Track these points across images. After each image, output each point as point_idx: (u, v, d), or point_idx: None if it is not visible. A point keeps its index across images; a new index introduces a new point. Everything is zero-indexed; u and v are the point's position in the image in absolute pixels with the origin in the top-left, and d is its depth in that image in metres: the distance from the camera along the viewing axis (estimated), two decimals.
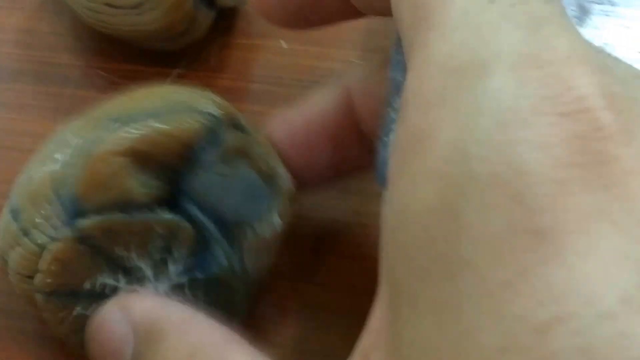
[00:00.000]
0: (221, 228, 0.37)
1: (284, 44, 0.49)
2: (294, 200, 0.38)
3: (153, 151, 0.35)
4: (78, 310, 0.35)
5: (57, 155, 0.36)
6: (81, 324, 0.35)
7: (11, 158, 0.46)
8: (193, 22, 0.47)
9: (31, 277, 0.36)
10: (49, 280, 0.35)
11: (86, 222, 0.35)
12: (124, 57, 0.49)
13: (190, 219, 0.36)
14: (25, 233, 0.36)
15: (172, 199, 0.36)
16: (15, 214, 0.36)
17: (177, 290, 0.36)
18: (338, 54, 0.48)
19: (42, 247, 0.35)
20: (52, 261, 0.35)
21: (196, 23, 0.47)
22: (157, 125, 0.35)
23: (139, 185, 0.35)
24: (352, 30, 0.48)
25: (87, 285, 0.35)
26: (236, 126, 0.38)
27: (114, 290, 0.35)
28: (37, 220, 0.35)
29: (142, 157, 0.35)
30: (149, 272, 0.35)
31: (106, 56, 0.49)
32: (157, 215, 0.35)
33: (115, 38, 0.48)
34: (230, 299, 0.37)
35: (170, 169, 0.36)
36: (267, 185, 0.37)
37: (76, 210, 0.35)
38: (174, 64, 0.48)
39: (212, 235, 0.36)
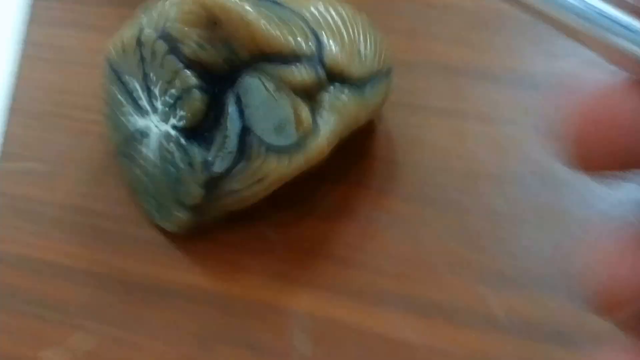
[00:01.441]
0: (242, 133, 0.38)
1: None
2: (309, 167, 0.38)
3: (231, 28, 0.37)
4: None
5: None
6: None
7: (86, 73, 0.48)
8: None
9: None
10: None
11: (147, 32, 0.39)
12: None
13: (220, 100, 0.38)
14: None
15: (222, 76, 0.38)
16: None
17: (165, 138, 0.39)
18: None
19: None
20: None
21: None
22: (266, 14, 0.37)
23: (199, 37, 0.37)
24: None
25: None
26: (346, 80, 0.38)
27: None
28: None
29: (220, 26, 0.37)
30: (149, 106, 0.39)
31: None
32: (186, 71, 0.38)
33: None
34: (189, 184, 0.39)
35: (237, 53, 0.37)
36: (296, 135, 0.37)
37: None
38: None
39: (226, 128, 0.38)
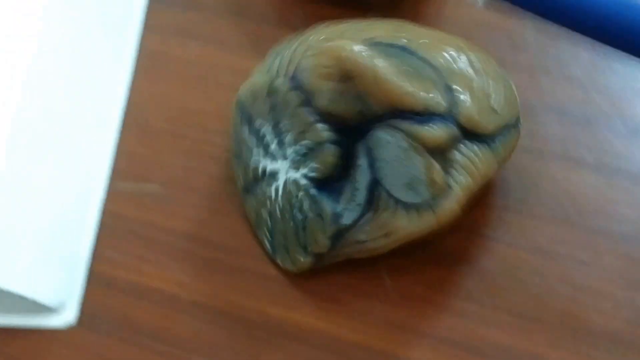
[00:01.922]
0: (371, 185, 0.38)
1: (479, 1, 0.48)
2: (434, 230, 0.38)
3: (362, 83, 0.36)
4: None
5: None
6: None
7: (208, 90, 0.47)
8: None
9: None
10: None
11: (279, 81, 0.39)
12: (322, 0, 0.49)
13: (351, 151, 0.38)
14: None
15: (354, 128, 0.38)
16: None
17: (294, 185, 0.39)
18: None
19: None
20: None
21: None
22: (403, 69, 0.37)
23: (331, 91, 0.37)
24: None
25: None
26: (478, 136, 0.38)
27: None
28: None
29: (352, 80, 0.36)
30: (279, 152, 0.39)
31: (315, 1, 0.49)
32: (319, 125, 0.38)
33: None
34: (316, 233, 0.39)
35: (370, 107, 0.37)
36: (427, 195, 0.37)
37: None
38: (366, 10, 0.47)
39: (356, 180, 0.38)
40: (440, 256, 0.41)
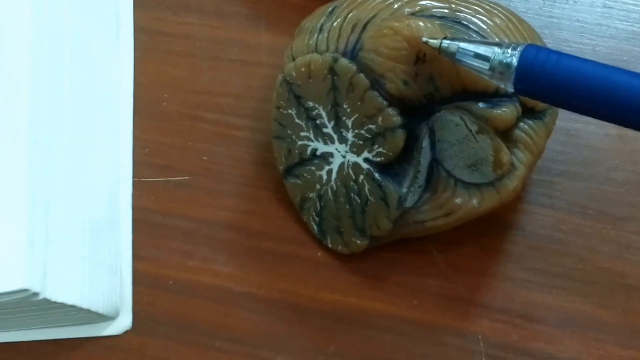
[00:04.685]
0: (430, 165, 0.38)
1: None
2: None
3: (438, 65, 0.36)
4: None
5: None
6: None
7: (219, 68, 0.45)
8: None
9: None
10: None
11: (343, 62, 0.37)
12: None
13: (413, 133, 0.38)
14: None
15: (418, 110, 0.37)
16: None
17: (354, 168, 0.38)
18: None
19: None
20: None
21: None
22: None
23: (404, 74, 0.36)
24: None
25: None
26: (533, 111, 0.38)
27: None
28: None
29: (426, 62, 0.36)
30: (335, 134, 0.39)
31: None
32: (390, 110, 0.37)
33: None
34: (377, 217, 0.39)
35: (440, 89, 0.37)
36: (492, 176, 0.37)
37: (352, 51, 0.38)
38: None
39: (419, 162, 0.38)
40: (485, 225, 0.41)
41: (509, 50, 0.33)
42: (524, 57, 0.33)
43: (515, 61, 0.33)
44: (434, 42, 0.35)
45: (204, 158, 0.43)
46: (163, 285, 0.41)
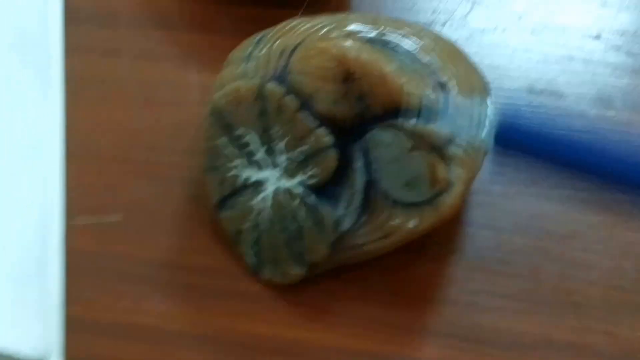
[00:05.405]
0: (366, 187, 0.37)
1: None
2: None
3: (367, 83, 0.36)
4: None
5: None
6: None
7: (151, 109, 0.45)
8: None
9: None
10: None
11: (271, 86, 0.37)
12: (250, 2, 0.47)
13: (346, 154, 0.37)
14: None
15: (349, 130, 0.37)
16: None
17: (287, 194, 0.37)
18: None
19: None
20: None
21: None
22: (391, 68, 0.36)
23: (333, 93, 0.36)
24: None
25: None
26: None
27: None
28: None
29: (355, 80, 0.36)
30: (267, 160, 0.38)
31: (234, 2, 0.47)
32: (321, 129, 0.36)
33: None
34: (314, 242, 0.38)
35: (370, 108, 0.36)
36: (429, 193, 0.37)
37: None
38: (297, 7, 0.45)
39: (354, 183, 0.37)
40: (426, 250, 0.41)
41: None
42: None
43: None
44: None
45: (138, 197, 0.42)
46: (96, 328, 0.39)
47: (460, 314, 0.39)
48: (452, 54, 0.40)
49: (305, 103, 0.36)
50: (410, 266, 0.40)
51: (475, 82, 0.39)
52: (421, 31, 0.40)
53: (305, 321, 0.39)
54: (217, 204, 0.40)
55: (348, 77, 0.36)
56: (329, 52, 0.36)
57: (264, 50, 0.38)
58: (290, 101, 0.36)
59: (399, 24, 0.40)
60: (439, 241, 0.41)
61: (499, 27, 0.47)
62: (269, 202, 0.38)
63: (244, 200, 0.39)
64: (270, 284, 0.40)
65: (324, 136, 0.36)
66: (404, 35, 0.39)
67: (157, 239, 0.41)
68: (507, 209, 0.42)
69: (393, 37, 0.39)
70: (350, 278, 0.40)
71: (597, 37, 0.46)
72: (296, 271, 0.39)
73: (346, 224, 0.37)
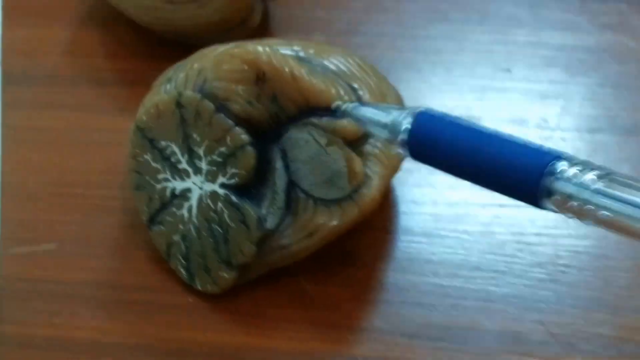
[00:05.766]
0: (288, 188, 0.39)
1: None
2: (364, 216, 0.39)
3: (278, 82, 0.38)
4: None
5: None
6: None
7: (87, 151, 0.47)
8: (251, 11, 0.49)
9: None
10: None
11: (188, 93, 0.39)
12: (176, 58, 0.50)
13: (266, 156, 0.39)
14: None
15: (267, 132, 0.39)
16: None
17: (211, 197, 0.39)
18: None
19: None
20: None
21: (253, 13, 0.49)
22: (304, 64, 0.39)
23: (246, 94, 0.38)
24: None
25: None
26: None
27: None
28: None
29: (267, 81, 0.38)
30: (190, 167, 0.39)
31: (157, 58, 0.50)
32: (237, 128, 0.38)
33: (168, 39, 0.50)
34: (240, 242, 0.38)
35: (284, 108, 0.38)
36: (348, 188, 0.38)
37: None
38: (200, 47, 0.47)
39: (275, 184, 0.39)
40: (353, 255, 0.42)
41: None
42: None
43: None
44: (336, 104, 0.38)
45: (72, 228, 0.43)
46: (29, 343, 0.39)
47: (393, 312, 0.40)
48: (365, 66, 0.42)
49: (221, 106, 0.38)
50: (340, 272, 0.41)
51: (387, 92, 0.42)
52: (335, 49, 0.42)
53: (241, 327, 0.40)
54: (148, 221, 0.41)
55: (259, 78, 0.38)
56: (240, 56, 0.38)
57: (183, 74, 0.41)
58: (207, 104, 0.38)
59: (313, 44, 0.43)
60: (367, 247, 0.42)
61: None
62: (195, 211, 0.40)
63: (172, 213, 0.40)
64: (206, 293, 0.40)
65: (241, 134, 0.38)
66: (316, 53, 0.41)
67: (91, 263, 0.42)
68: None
69: (305, 52, 0.41)
70: (284, 284, 0.41)
71: None
72: (227, 275, 0.39)
73: (270, 223, 0.39)
